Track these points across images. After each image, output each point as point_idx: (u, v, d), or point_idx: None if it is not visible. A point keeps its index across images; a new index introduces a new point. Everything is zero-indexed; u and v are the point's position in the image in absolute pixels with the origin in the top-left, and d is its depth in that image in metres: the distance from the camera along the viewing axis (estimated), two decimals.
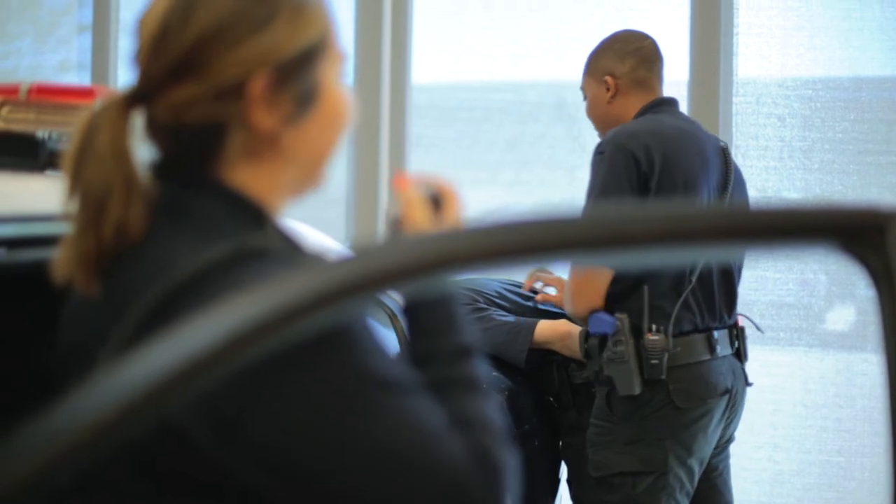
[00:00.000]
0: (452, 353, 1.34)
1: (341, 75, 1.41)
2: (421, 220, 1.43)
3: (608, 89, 3.17)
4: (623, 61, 3.17)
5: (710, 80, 4.68)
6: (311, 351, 1.17)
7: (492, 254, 1.09)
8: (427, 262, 1.07)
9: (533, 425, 3.54)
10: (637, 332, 2.98)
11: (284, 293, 1.01)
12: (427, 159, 5.10)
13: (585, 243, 1.09)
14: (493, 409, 1.31)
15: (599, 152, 3.00)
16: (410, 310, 1.39)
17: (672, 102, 3.26)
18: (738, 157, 4.70)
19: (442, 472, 1.19)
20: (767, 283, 4.72)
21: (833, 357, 4.62)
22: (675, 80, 4.76)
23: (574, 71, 4.88)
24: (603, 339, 2.98)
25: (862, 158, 4.64)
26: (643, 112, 3.15)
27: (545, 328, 3.39)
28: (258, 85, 1.30)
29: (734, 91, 4.72)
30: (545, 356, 3.46)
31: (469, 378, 1.33)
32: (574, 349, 3.28)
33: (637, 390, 2.95)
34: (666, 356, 2.96)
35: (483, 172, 5.09)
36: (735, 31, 4.71)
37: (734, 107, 4.71)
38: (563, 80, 5.00)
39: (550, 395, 3.53)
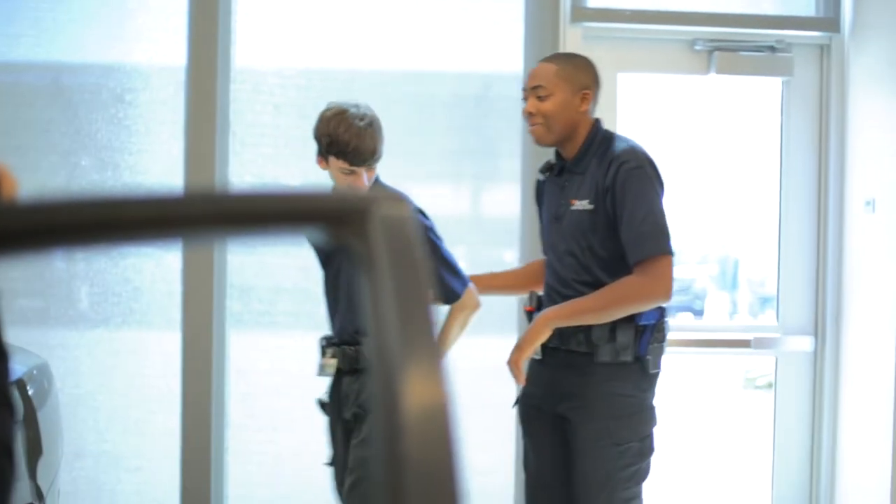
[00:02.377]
0: None
1: None
2: None
3: (583, 101, 3.60)
4: (596, 84, 3.66)
5: (208, 67, 4.69)
6: None
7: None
8: None
9: None
10: None
11: None
12: None
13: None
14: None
15: (637, 167, 3.46)
16: None
17: None
18: (236, 145, 4.74)
19: None
20: (266, 268, 4.81)
21: None
22: (173, 67, 4.73)
23: (69, 52, 4.73)
24: (644, 327, 3.49)
25: None
26: (600, 129, 3.64)
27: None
28: None
29: (231, 78, 4.75)
30: None
31: None
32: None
33: (659, 368, 3.54)
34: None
35: None
36: (233, 18, 4.74)
37: (231, 94, 4.74)
38: (59, 62, 4.83)
39: None
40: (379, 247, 1.11)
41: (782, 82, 4.92)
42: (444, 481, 0.97)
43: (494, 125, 4.83)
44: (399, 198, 1.14)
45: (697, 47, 4.86)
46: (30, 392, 3.65)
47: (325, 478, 4.82)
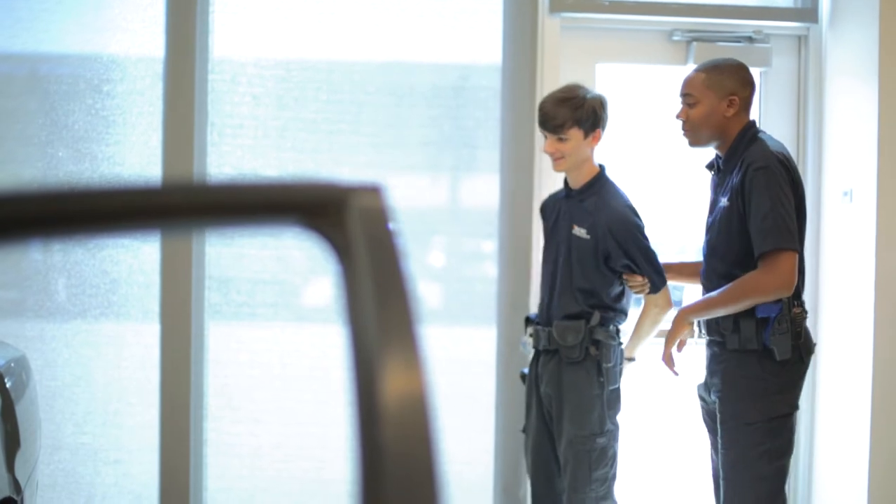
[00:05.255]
0: None
1: None
2: None
3: (729, 106, 3.81)
4: (745, 88, 3.85)
5: (186, 57, 4.67)
6: None
7: None
8: None
9: None
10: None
11: None
12: None
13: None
14: None
15: (763, 167, 3.67)
16: None
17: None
18: (214, 136, 4.73)
19: None
20: (245, 260, 4.79)
21: (308, 331, 4.78)
22: (151, 57, 4.71)
23: (46, 42, 4.71)
24: (764, 319, 3.72)
25: (334, 138, 4.80)
26: (750, 130, 3.83)
27: None
28: None
29: (210, 69, 4.73)
30: None
31: None
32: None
33: (790, 355, 3.72)
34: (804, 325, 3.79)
35: None
36: (211, 9, 4.72)
37: (209, 85, 4.72)
38: (36, 52, 4.80)
39: None
40: (357, 237, 1.10)
41: (760, 73, 4.92)
42: (422, 471, 0.97)
43: (473, 116, 4.83)
44: (376, 188, 1.14)
45: (675, 38, 4.87)
46: (7, 385, 3.64)
47: (304, 469, 4.82)
